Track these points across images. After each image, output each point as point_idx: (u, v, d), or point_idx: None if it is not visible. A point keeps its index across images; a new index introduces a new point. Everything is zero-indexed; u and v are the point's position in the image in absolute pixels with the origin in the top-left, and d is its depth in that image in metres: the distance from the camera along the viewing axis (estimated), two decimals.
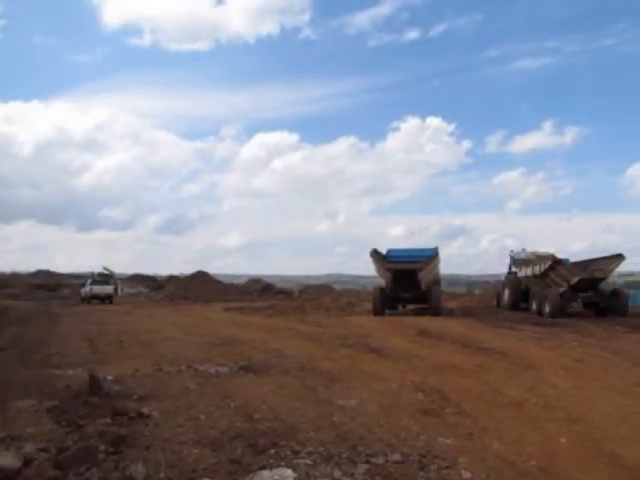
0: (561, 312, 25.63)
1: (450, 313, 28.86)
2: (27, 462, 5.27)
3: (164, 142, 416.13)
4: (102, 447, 5.64)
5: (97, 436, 5.92)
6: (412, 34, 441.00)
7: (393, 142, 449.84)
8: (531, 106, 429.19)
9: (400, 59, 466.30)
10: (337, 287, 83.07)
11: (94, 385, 8.39)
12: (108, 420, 6.76)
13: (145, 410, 7.44)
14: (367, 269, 33.25)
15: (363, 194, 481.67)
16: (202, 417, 7.29)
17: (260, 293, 69.86)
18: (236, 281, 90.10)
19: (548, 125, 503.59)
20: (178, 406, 7.88)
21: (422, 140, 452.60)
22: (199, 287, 67.53)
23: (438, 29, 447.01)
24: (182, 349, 14.55)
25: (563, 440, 6.71)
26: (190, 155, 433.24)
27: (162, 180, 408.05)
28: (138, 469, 5.21)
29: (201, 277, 75.39)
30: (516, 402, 8.68)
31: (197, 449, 5.94)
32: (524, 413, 8.06)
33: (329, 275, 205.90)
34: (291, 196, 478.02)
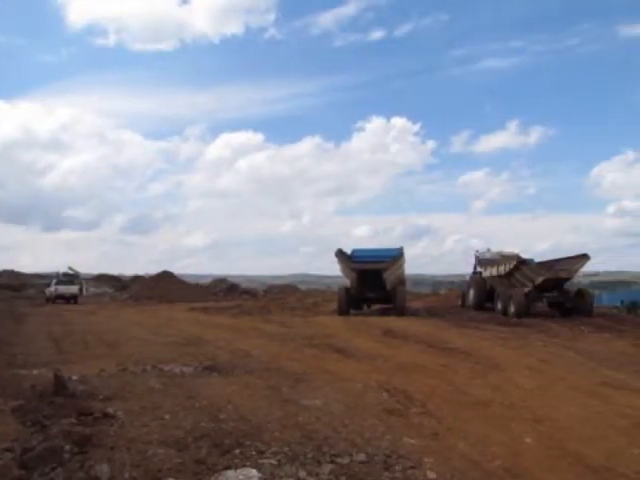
0: (526, 312, 25.78)
1: (415, 313, 28.96)
2: None
3: (129, 142, 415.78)
4: (67, 447, 5.63)
5: (62, 436, 5.90)
6: (377, 34, 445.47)
7: (358, 142, 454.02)
8: (496, 106, 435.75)
9: (365, 59, 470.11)
10: (302, 287, 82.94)
11: (59, 385, 8.33)
12: (73, 420, 6.73)
13: (110, 410, 7.43)
14: (332, 269, 33.29)
15: (328, 194, 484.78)
16: (167, 417, 7.29)
17: (225, 293, 69.61)
18: (201, 281, 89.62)
19: (513, 125, 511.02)
20: (143, 406, 7.87)
21: (387, 140, 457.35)
22: (164, 287, 66.98)
23: (403, 29, 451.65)
24: (147, 349, 14.49)
25: (528, 440, 6.81)
26: (155, 155, 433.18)
27: (127, 180, 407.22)
28: (103, 469, 5.22)
29: (166, 277, 74.74)
30: (481, 402, 8.78)
31: (162, 449, 5.94)
32: (489, 413, 8.17)
33: (294, 275, 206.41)
34: (256, 196, 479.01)
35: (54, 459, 5.36)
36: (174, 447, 6.02)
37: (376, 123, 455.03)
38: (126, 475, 5.21)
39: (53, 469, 5.19)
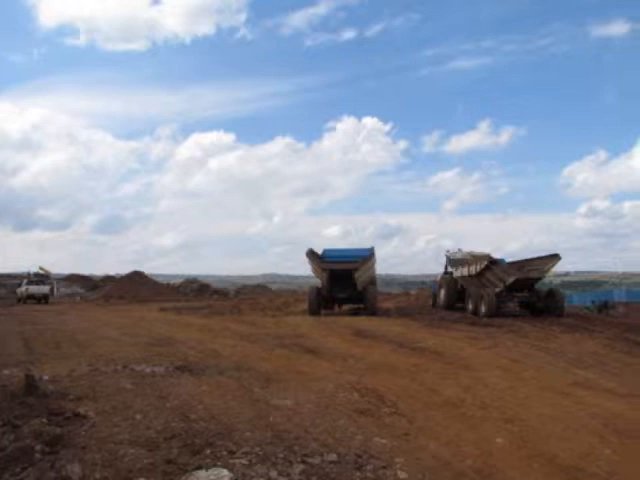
0: (497, 312, 25.91)
1: (386, 313, 29.00)
2: None
3: (100, 142, 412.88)
4: (38, 447, 5.63)
5: (33, 436, 5.89)
6: (348, 34, 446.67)
7: (329, 142, 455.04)
8: (467, 106, 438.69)
9: (336, 59, 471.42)
10: (273, 287, 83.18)
11: (30, 385, 8.29)
12: (44, 420, 6.71)
13: (81, 410, 7.41)
14: (303, 269, 33.48)
15: (299, 194, 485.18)
16: (138, 417, 7.29)
17: (196, 293, 69.70)
18: (172, 281, 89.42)
19: (484, 125, 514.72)
20: (114, 406, 7.86)
21: (358, 140, 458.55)
22: (135, 287, 66.92)
23: (375, 29, 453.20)
24: (118, 349, 14.40)
25: (499, 440, 6.89)
26: (126, 155, 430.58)
27: (98, 180, 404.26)
28: (74, 469, 5.22)
29: (137, 277, 74.62)
30: (452, 402, 8.86)
31: (133, 449, 5.95)
32: (460, 413, 8.23)
33: (265, 275, 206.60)
34: (227, 196, 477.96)
35: (25, 459, 5.36)
36: (145, 447, 6.03)
37: (347, 123, 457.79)
38: (97, 475, 5.22)
39: (24, 469, 5.19)
